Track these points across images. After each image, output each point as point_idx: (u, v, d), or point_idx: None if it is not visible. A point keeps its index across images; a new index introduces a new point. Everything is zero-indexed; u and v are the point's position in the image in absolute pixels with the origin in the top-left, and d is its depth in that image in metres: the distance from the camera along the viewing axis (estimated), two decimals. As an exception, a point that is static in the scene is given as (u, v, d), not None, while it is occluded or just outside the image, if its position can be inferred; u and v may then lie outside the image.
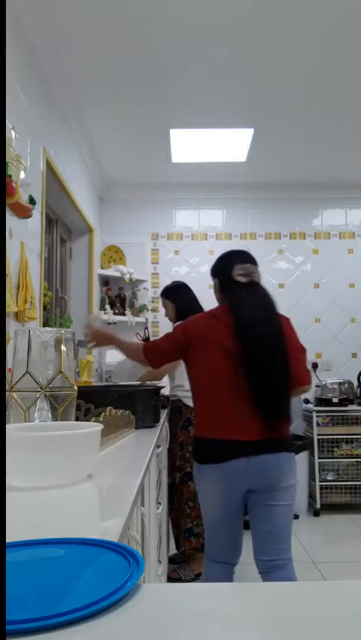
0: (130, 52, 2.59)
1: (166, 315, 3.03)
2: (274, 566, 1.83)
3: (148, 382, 3.03)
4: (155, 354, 2.01)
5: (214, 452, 1.82)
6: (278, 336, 1.83)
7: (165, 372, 2.89)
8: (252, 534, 1.90)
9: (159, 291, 4.51)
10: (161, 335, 2.92)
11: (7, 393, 1.13)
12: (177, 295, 2.92)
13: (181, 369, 2.71)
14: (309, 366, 4.38)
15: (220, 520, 1.89)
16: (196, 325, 1.94)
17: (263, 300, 1.91)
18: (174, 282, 3.15)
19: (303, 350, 1.94)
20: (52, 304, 3.42)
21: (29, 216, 2.25)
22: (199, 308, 2.87)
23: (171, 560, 2.82)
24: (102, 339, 2.23)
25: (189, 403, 2.66)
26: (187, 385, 2.62)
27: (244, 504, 1.90)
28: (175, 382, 2.84)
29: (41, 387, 1.12)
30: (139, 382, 2.97)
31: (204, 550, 2.29)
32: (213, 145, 3.72)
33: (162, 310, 4.44)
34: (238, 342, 1.81)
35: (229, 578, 1.93)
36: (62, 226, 3.79)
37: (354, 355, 4.49)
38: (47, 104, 2.74)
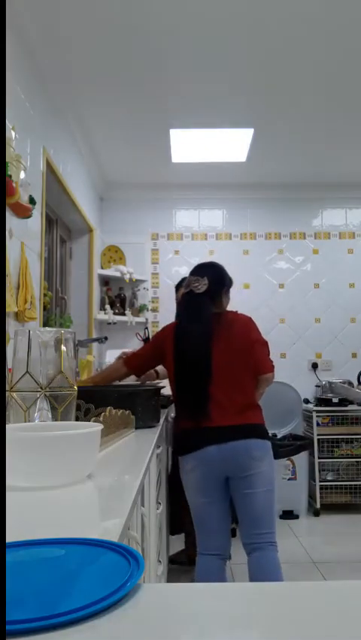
0: (130, 52, 2.59)
1: None
2: (255, 548, 1.99)
3: (148, 382, 3.01)
4: (135, 362, 2.25)
5: (189, 441, 2.03)
6: (205, 339, 2.05)
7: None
8: (238, 518, 2.06)
9: (159, 291, 4.53)
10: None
11: (7, 393, 1.13)
12: None
13: None
14: (308, 365, 4.41)
15: (204, 509, 2.03)
16: (165, 332, 2.20)
17: (195, 309, 2.13)
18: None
19: (264, 343, 2.14)
20: (52, 304, 3.42)
21: (29, 216, 2.25)
22: None
23: (172, 561, 2.81)
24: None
25: None
26: None
27: (228, 494, 2.05)
28: None
29: (41, 387, 1.12)
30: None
31: None
32: (213, 145, 3.72)
33: (162, 310, 4.50)
34: (175, 346, 2.10)
35: (219, 570, 2.03)
36: (62, 226, 3.79)
37: (354, 355, 4.49)
38: (47, 104, 2.74)
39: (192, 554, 2.75)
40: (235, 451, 1.96)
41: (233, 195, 4.56)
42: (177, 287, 2.93)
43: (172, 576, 2.71)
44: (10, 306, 2.01)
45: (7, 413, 1.13)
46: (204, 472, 1.99)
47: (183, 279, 2.89)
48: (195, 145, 3.72)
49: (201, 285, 2.13)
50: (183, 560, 2.84)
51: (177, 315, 2.23)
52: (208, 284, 2.13)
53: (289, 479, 3.88)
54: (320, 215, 4.62)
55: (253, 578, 1.97)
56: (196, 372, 2.03)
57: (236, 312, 2.20)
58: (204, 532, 2.04)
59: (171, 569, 2.75)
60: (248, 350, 2.08)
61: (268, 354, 2.14)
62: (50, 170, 2.81)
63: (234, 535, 3.34)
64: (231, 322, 2.12)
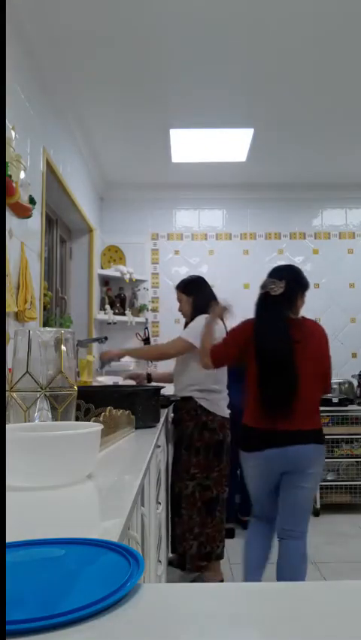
0: (130, 52, 2.59)
1: (180, 309, 2.84)
2: (290, 535, 2.18)
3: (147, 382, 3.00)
4: (220, 356, 2.29)
5: (256, 441, 2.16)
6: (283, 342, 2.15)
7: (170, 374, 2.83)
8: (279, 505, 2.23)
9: (159, 291, 4.53)
10: (160, 335, 2.95)
11: (7, 393, 1.13)
12: (195, 290, 2.76)
13: (193, 366, 2.55)
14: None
15: (262, 496, 2.28)
16: (245, 327, 2.27)
17: (272, 312, 2.22)
18: (191, 275, 2.95)
19: (330, 359, 2.26)
20: (52, 304, 3.42)
21: (29, 216, 2.25)
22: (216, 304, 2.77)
23: (170, 563, 2.78)
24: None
25: (205, 404, 2.56)
26: (207, 384, 2.56)
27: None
28: (191, 379, 2.60)
29: (41, 387, 1.12)
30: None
31: (210, 559, 2.58)
32: (213, 145, 3.72)
33: (162, 310, 4.50)
34: (256, 346, 2.20)
35: (268, 535, 2.30)
36: (62, 226, 3.79)
37: (354, 355, 4.49)
38: (47, 104, 2.74)
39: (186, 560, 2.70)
40: (298, 453, 2.12)
41: (233, 195, 4.56)
42: (178, 287, 2.89)
43: (172, 576, 2.71)
44: (10, 306, 2.01)
45: (7, 413, 1.13)
46: (265, 470, 2.19)
47: (182, 281, 2.88)
48: (195, 145, 3.72)
49: (278, 288, 2.21)
50: (180, 565, 2.81)
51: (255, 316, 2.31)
52: (285, 286, 2.21)
53: (289, 479, 3.88)
54: (320, 215, 4.62)
55: (281, 560, 2.18)
56: (283, 377, 2.13)
57: (315, 321, 2.32)
58: (258, 506, 2.31)
59: (170, 570, 2.74)
60: (322, 362, 2.21)
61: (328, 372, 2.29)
62: (50, 170, 2.81)
63: (232, 536, 3.34)
64: (312, 332, 2.23)
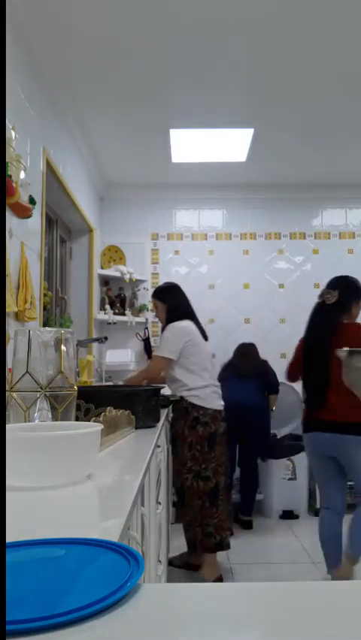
0: (130, 52, 2.59)
1: (157, 315, 2.97)
2: (325, 506, 2.60)
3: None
4: (290, 371, 2.70)
5: (305, 427, 2.55)
6: (323, 347, 2.42)
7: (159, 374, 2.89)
8: None
9: (160, 291, 4.53)
10: (160, 335, 2.99)
11: (7, 393, 1.13)
12: (168, 296, 2.88)
13: (181, 368, 2.69)
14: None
15: (322, 480, 2.62)
16: (301, 342, 2.63)
17: (322, 319, 2.52)
18: (166, 282, 3.11)
19: None
20: (52, 304, 3.42)
21: (29, 216, 2.25)
22: (189, 310, 2.85)
23: (170, 563, 2.80)
24: None
25: (195, 401, 2.68)
26: (192, 383, 2.68)
27: (339, 468, 2.53)
28: (178, 382, 2.73)
29: (41, 387, 1.12)
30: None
31: (222, 548, 2.69)
32: (213, 145, 3.72)
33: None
34: (303, 350, 2.58)
35: (337, 523, 2.60)
36: (62, 226, 3.79)
37: (354, 355, 4.48)
38: (47, 104, 2.74)
39: (194, 561, 2.75)
40: (333, 439, 2.39)
41: (233, 195, 4.56)
42: (153, 295, 2.97)
43: (172, 576, 2.71)
44: (10, 306, 2.01)
45: (7, 413, 1.13)
46: (313, 449, 2.58)
47: (157, 288, 3.00)
48: (195, 145, 3.72)
49: (332, 297, 2.49)
50: (180, 564, 2.83)
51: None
52: (338, 296, 2.48)
53: (289, 479, 3.88)
54: (320, 215, 4.62)
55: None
56: (317, 375, 2.44)
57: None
58: (322, 492, 2.66)
59: (170, 570, 2.74)
60: None
61: None
62: (50, 170, 2.81)
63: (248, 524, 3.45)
64: (354, 335, 2.40)
